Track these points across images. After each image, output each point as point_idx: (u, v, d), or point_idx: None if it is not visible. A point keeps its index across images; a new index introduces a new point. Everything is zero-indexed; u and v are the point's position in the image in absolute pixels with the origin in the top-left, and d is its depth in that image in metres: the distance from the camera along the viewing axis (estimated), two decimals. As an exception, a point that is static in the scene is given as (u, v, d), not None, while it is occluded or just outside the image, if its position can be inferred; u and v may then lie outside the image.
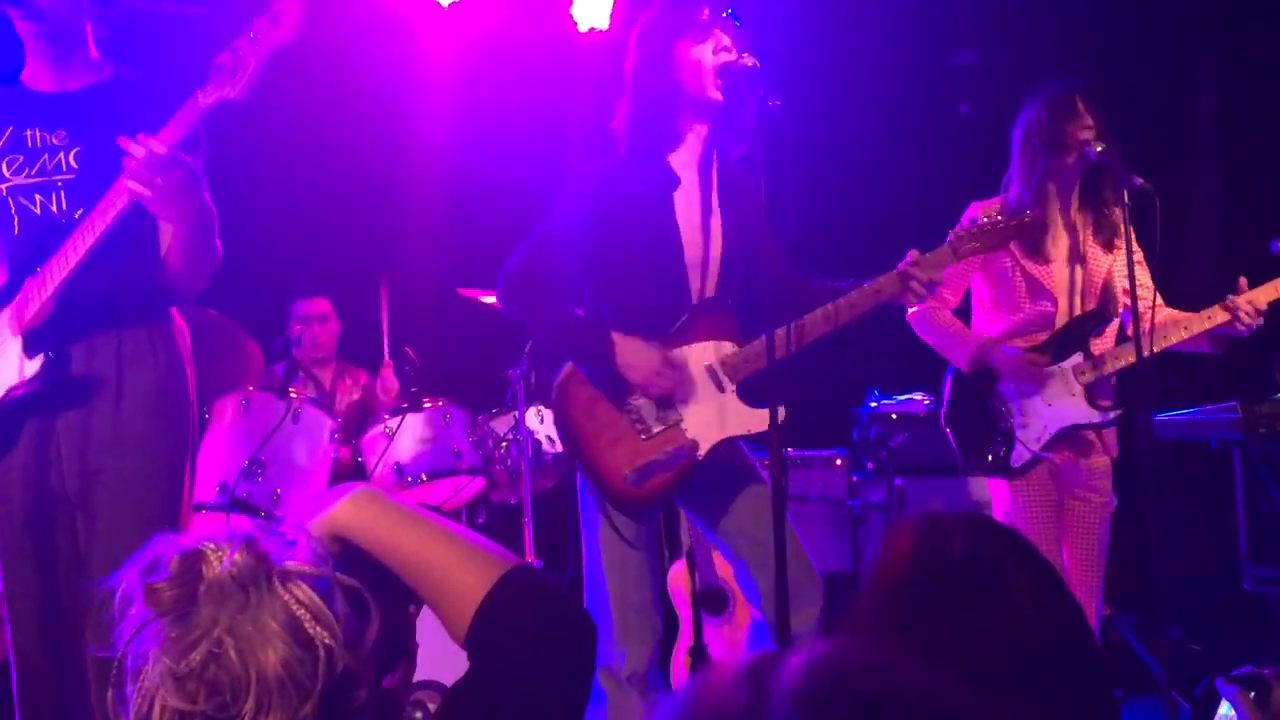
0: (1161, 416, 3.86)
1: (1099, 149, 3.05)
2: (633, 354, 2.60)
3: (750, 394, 2.67)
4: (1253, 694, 1.42)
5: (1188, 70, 5.22)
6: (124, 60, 2.62)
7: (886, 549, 1.23)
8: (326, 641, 1.10)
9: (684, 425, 2.65)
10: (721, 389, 2.67)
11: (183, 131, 2.28)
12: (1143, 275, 3.20)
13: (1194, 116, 5.24)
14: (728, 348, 2.68)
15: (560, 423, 2.70)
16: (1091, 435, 3.20)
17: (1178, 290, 3.33)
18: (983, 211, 3.20)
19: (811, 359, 2.72)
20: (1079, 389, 3.16)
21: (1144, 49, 5.04)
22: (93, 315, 2.41)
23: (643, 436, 2.63)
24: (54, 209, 2.44)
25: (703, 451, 2.64)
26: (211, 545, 1.11)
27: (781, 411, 2.49)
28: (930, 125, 5.28)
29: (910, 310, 3.27)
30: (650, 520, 2.71)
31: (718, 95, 2.66)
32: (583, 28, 5.33)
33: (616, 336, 2.62)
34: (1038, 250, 3.19)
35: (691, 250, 2.69)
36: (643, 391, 2.62)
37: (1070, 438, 3.18)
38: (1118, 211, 3.17)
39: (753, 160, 2.69)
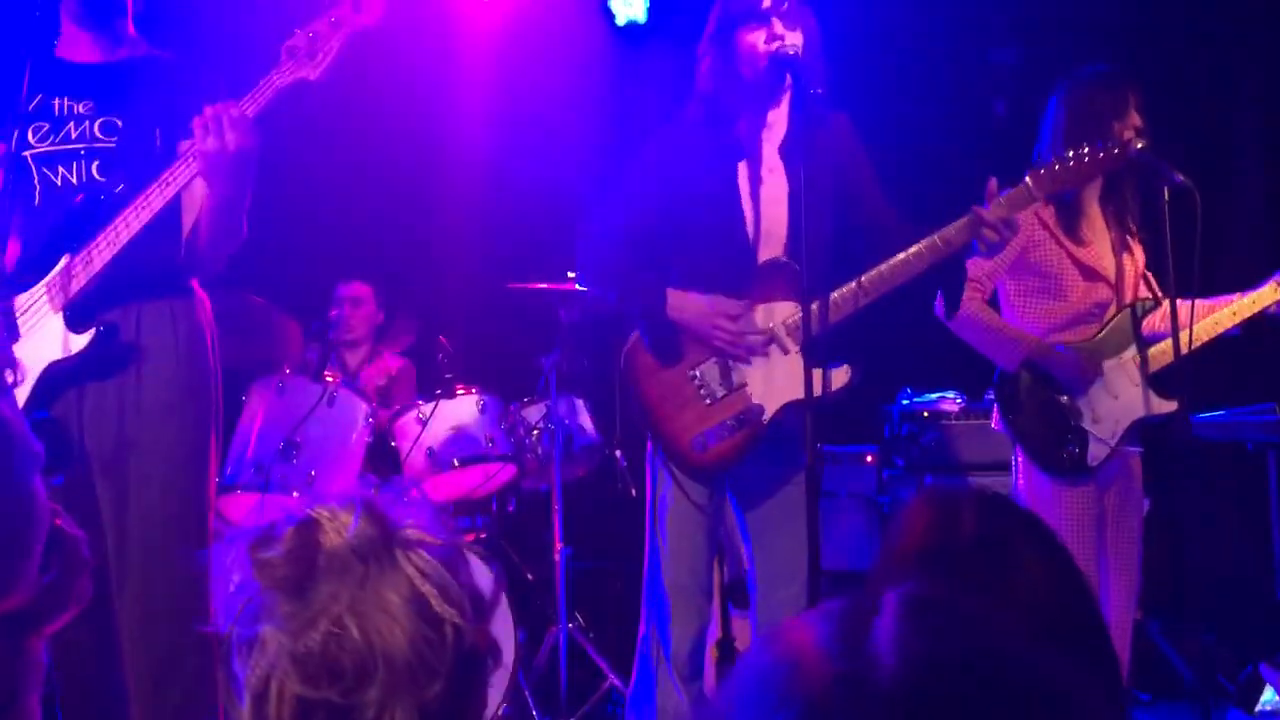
0: (1198, 417, 3.82)
1: (1140, 146, 3.01)
2: (690, 309, 2.62)
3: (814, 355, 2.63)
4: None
5: (1229, 70, 5.17)
6: (160, 38, 2.64)
7: (901, 525, 1.25)
8: (455, 621, 1.02)
9: (749, 389, 2.64)
10: (785, 351, 2.66)
11: (257, 108, 2.33)
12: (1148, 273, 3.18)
13: (1235, 116, 5.19)
14: (790, 309, 2.66)
15: (628, 391, 2.72)
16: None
17: (1218, 288, 3.29)
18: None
19: (861, 344, 2.70)
20: (1141, 380, 3.09)
21: (1185, 50, 5.00)
22: (114, 288, 2.43)
23: (708, 401, 2.64)
24: (73, 180, 2.46)
25: (768, 415, 2.63)
26: (326, 512, 1.04)
27: (847, 372, 2.51)
28: (966, 122, 5.26)
29: (955, 315, 3.20)
30: (719, 489, 2.71)
31: (761, 79, 2.69)
32: (620, 20, 5.35)
33: (677, 294, 2.63)
34: (1077, 235, 3.13)
35: (750, 218, 2.71)
36: (709, 344, 2.63)
37: (1133, 433, 3.09)
38: (1137, 209, 3.15)
39: (838, 123, 2.72)
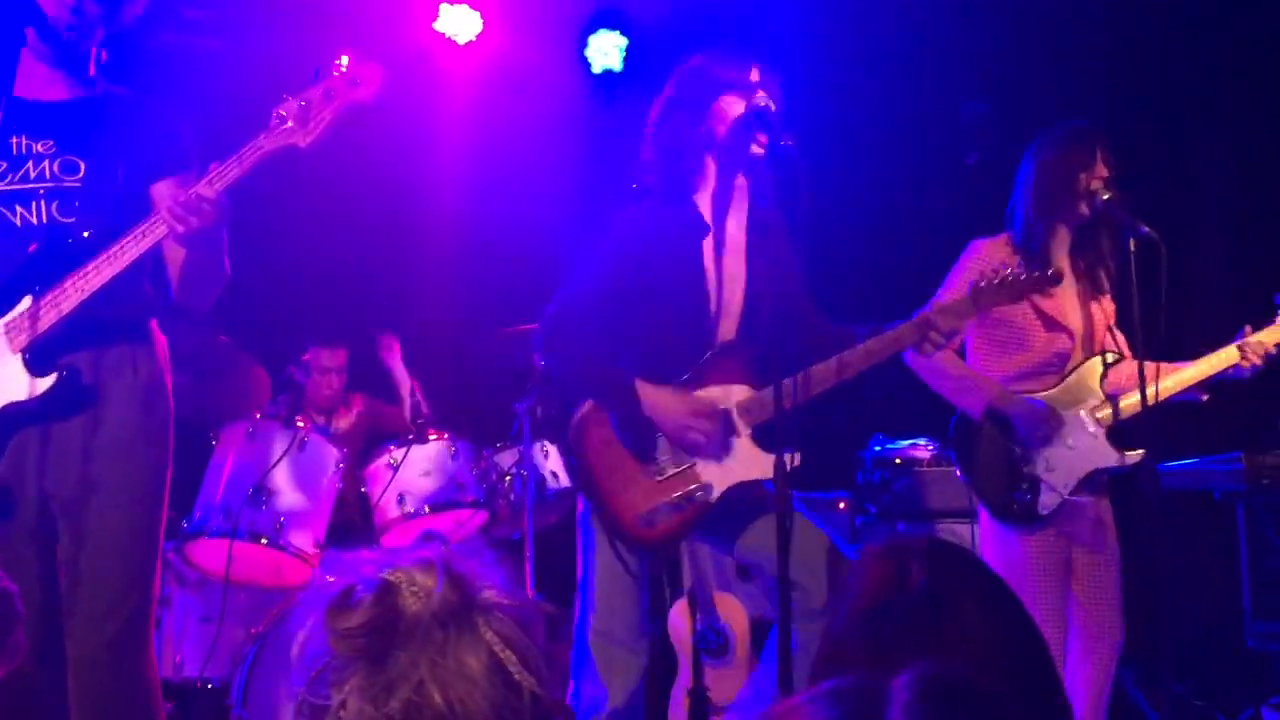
0: (1165, 466, 3.85)
1: (1106, 197, 3.07)
2: (663, 406, 2.63)
3: (765, 438, 2.66)
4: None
5: (1196, 124, 5.27)
6: (120, 75, 2.65)
7: (856, 578, 1.27)
8: (534, 690, 1.02)
9: (697, 468, 2.66)
10: (736, 433, 2.68)
11: (241, 171, 2.35)
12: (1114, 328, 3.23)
13: (1201, 169, 5.28)
14: (743, 392, 2.69)
15: (576, 459, 2.72)
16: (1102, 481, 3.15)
17: (1185, 341, 3.33)
18: (989, 249, 3.21)
19: (822, 402, 2.73)
20: (1100, 431, 3.12)
21: (1153, 104, 5.09)
22: (76, 332, 2.43)
23: (657, 478, 2.65)
24: (33, 220, 2.45)
25: (715, 495, 2.66)
26: (404, 576, 1.02)
27: (796, 457, 2.51)
28: (937, 173, 5.32)
29: (920, 360, 3.24)
30: (653, 554, 2.72)
31: (731, 135, 2.71)
32: (596, 69, 5.41)
33: (645, 387, 2.64)
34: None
35: (713, 296, 2.73)
36: (675, 442, 2.65)
37: (1092, 483, 3.11)
38: (1110, 261, 3.20)
39: (779, 203, 2.76)
